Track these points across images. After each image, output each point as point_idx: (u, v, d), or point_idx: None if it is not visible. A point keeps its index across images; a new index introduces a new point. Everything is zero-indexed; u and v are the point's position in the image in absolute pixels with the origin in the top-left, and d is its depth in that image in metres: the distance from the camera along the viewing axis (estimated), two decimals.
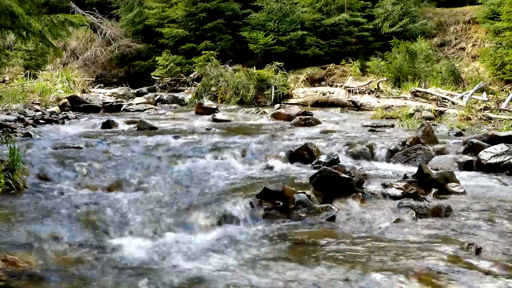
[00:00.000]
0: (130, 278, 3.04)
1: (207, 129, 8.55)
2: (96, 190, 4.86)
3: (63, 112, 10.50)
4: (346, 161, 6.10)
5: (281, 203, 4.30)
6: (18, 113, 9.21)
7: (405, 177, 5.08)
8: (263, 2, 17.37)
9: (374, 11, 16.76)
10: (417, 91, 11.43)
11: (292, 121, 9.03)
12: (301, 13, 16.96)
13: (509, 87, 11.91)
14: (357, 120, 9.53)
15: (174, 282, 2.99)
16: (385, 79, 13.09)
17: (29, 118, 9.01)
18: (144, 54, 19.26)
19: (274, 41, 16.56)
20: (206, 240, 3.74)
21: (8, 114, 8.92)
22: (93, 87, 16.25)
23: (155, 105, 12.92)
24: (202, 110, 10.89)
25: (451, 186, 4.88)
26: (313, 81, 15.33)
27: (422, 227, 3.91)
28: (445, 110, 10.08)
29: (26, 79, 13.05)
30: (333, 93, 12.35)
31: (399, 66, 12.94)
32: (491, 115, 9.33)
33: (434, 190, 4.78)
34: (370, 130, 8.18)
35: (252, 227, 4.02)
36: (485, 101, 10.05)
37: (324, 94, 12.39)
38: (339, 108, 11.59)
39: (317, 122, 9.04)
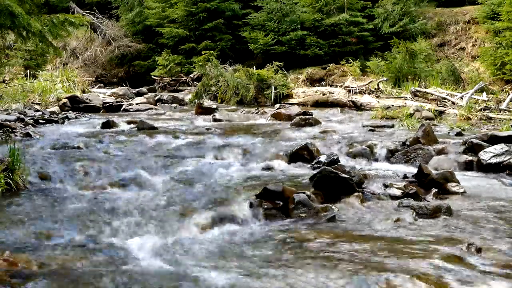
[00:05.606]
0: (128, 277, 3.04)
1: (207, 129, 8.54)
2: (96, 190, 4.85)
3: (63, 112, 10.50)
4: (346, 161, 6.10)
5: (281, 203, 4.30)
6: (18, 113, 9.21)
7: (405, 177, 5.08)
8: (263, 2, 17.37)
9: (374, 11, 16.78)
10: (417, 91, 11.43)
11: (292, 121, 9.02)
12: (301, 13, 16.96)
13: (509, 87, 11.93)
14: (357, 120, 9.53)
15: (172, 282, 2.99)
16: (385, 79, 13.08)
17: (29, 118, 9.00)
18: (144, 54, 19.28)
19: (274, 41, 16.56)
20: (206, 240, 3.74)
21: (8, 114, 8.91)
22: (93, 87, 16.25)
23: (155, 105, 12.91)
24: (202, 110, 10.89)
25: (451, 186, 4.88)
26: (313, 81, 15.34)
27: (422, 227, 3.91)
28: (445, 110, 10.08)
29: (26, 79, 13.03)
30: (333, 93, 12.34)
31: (399, 66, 12.95)
32: (491, 115, 9.33)
33: (434, 190, 4.78)
34: (370, 130, 8.17)
35: (252, 227, 4.02)
36: (485, 101, 10.07)
37: (324, 94, 12.39)
38: (339, 108, 11.58)
39: (317, 122, 9.04)
